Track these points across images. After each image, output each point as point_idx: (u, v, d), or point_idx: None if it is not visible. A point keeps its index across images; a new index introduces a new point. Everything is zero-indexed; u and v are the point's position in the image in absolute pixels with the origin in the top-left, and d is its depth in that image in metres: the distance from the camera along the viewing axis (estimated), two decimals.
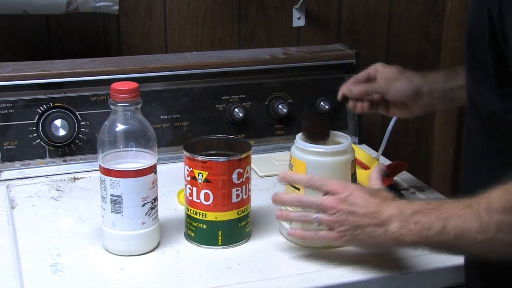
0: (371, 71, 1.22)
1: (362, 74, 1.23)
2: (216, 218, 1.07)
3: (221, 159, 1.05)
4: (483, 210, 0.83)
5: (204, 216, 1.07)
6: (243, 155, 1.07)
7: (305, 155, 1.09)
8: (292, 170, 1.11)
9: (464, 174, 1.02)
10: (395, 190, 1.23)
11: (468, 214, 0.85)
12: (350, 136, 1.54)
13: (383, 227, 0.94)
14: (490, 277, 0.97)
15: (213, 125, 1.45)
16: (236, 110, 1.45)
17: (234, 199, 1.07)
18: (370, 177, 1.09)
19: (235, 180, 1.06)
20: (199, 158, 1.05)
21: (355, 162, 1.13)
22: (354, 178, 1.11)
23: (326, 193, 1.00)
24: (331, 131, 1.17)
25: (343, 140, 1.13)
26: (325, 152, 1.08)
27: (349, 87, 1.21)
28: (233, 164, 1.06)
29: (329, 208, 0.98)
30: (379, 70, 1.21)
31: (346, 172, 1.09)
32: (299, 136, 1.12)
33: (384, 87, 1.19)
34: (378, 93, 1.20)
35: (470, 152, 0.99)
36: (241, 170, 1.07)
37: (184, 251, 1.08)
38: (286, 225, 1.10)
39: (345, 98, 1.23)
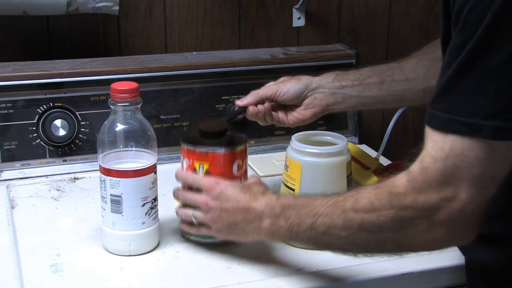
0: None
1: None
2: None
3: (222, 150, 1.05)
4: (349, 208, 0.86)
5: None
6: (243, 147, 1.07)
7: (301, 156, 1.09)
8: (287, 171, 1.11)
9: None
10: None
11: (335, 212, 0.87)
12: (350, 136, 1.56)
13: (255, 223, 0.97)
14: (491, 277, 0.97)
15: None
16: (236, 110, 1.45)
17: None
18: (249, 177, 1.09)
19: (235, 172, 1.06)
20: (200, 150, 1.05)
21: (350, 163, 1.13)
22: (349, 180, 1.12)
23: (201, 190, 1.02)
24: (329, 132, 1.17)
25: (338, 141, 1.13)
26: (320, 153, 1.08)
27: (241, 101, 1.19)
28: (234, 155, 1.06)
29: (202, 205, 1.01)
30: (268, 84, 1.20)
31: (341, 173, 1.10)
32: (294, 137, 1.12)
33: (273, 90, 1.18)
34: (268, 98, 1.18)
35: None
36: (240, 162, 1.07)
37: (184, 251, 1.08)
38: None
39: (243, 111, 1.20)
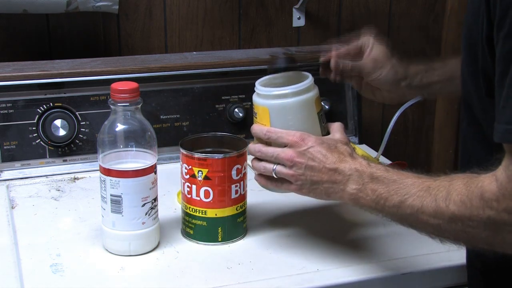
0: (363, 44, 1.18)
1: (354, 47, 1.18)
2: (216, 214, 1.07)
3: (220, 156, 1.06)
4: (441, 199, 0.85)
5: (204, 213, 1.07)
6: (241, 151, 1.07)
7: (266, 100, 1.04)
8: (256, 118, 1.06)
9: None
10: None
11: (426, 197, 0.86)
12: (350, 136, 1.56)
13: (341, 185, 0.95)
14: (491, 276, 0.97)
15: (213, 125, 1.45)
16: (236, 110, 1.45)
17: (233, 195, 1.08)
18: (332, 128, 1.06)
19: (234, 176, 1.07)
20: (198, 155, 1.05)
21: (320, 100, 1.07)
22: (321, 116, 1.06)
23: (285, 145, 1.00)
24: (293, 71, 1.11)
25: (304, 78, 1.07)
26: (286, 93, 1.03)
27: (337, 61, 1.17)
28: (232, 160, 1.06)
29: (286, 161, 0.99)
30: (370, 47, 1.17)
31: (311, 111, 1.05)
32: (258, 82, 1.07)
33: (368, 69, 1.16)
34: (360, 73, 1.17)
35: (464, 155, 1.00)
36: (240, 166, 1.07)
37: (184, 251, 1.08)
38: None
39: (326, 63, 1.17)
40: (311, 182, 0.97)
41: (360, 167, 0.95)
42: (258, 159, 1.04)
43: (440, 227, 0.86)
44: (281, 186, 1.02)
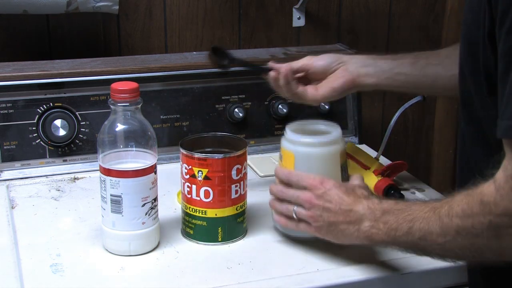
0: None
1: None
2: (216, 214, 1.07)
3: (220, 156, 1.06)
4: (444, 214, 0.86)
5: (204, 213, 1.07)
6: (241, 151, 1.07)
7: (293, 146, 1.08)
8: (281, 161, 1.10)
9: (459, 175, 1.03)
10: (395, 190, 1.23)
11: (431, 217, 0.88)
12: (350, 136, 1.56)
13: (356, 225, 0.97)
14: (492, 276, 0.97)
15: (213, 125, 1.45)
16: (236, 110, 1.45)
17: (233, 195, 1.08)
18: (352, 177, 1.09)
19: (234, 176, 1.07)
20: (198, 155, 1.06)
21: (345, 153, 1.12)
22: (344, 169, 1.11)
23: (304, 188, 1.03)
24: (323, 121, 1.15)
25: (332, 130, 1.11)
26: (313, 143, 1.08)
27: (278, 66, 1.19)
28: (232, 160, 1.06)
29: (305, 202, 1.01)
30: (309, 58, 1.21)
31: (335, 163, 1.09)
32: (288, 127, 1.11)
33: (308, 61, 1.19)
34: (303, 70, 1.19)
35: (463, 155, 1.00)
36: (240, 166, 1.07)
37: (184, 251, 1.08)
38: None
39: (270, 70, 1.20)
40: (328, 224, 1.00)
41: (373, 205, 0.97)
42: (279, 200, 1.06)
43: (448, 244, 0.86)
44: (300, 227, 1.04)
